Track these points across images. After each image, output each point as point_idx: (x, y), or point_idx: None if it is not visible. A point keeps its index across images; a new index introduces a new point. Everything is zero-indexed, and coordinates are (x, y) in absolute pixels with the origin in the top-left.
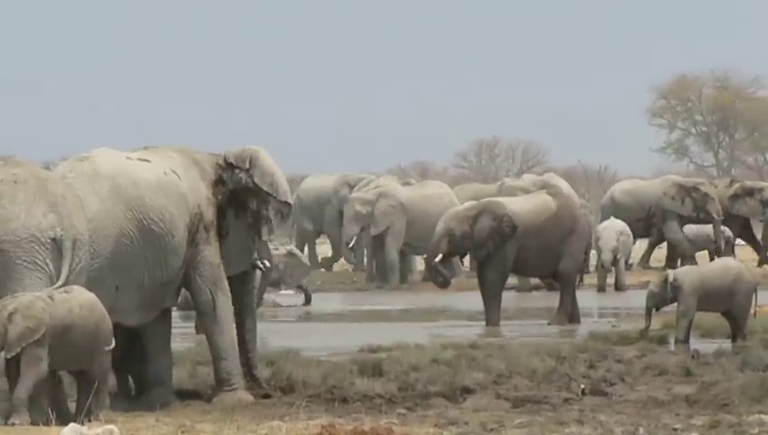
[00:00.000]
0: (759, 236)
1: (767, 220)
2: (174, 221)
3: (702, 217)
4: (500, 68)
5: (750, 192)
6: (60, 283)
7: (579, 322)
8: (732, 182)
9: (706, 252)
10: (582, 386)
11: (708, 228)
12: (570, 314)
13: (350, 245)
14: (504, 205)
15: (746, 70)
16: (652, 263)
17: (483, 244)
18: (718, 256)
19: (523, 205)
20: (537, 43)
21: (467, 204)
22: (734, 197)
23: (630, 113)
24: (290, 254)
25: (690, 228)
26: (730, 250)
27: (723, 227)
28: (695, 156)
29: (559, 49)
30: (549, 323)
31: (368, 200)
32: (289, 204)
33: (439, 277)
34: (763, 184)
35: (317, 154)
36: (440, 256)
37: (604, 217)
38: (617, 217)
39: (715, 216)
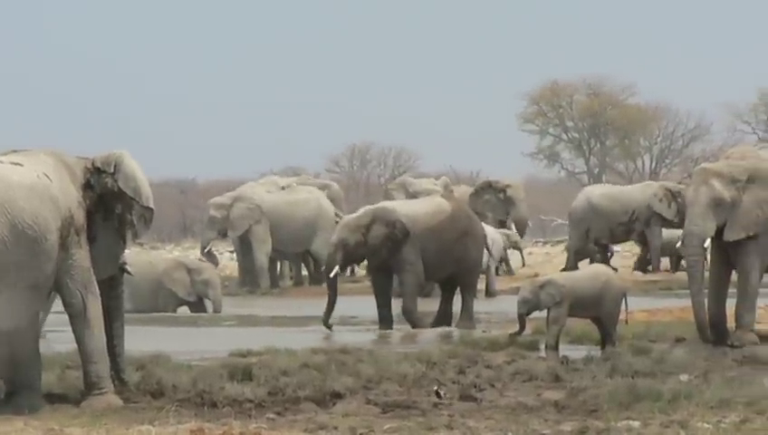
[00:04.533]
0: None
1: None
2: (47, 224)
3: (679, 221)
4: (372, 73)
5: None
6: None
7: (450, 326)
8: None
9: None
10: (436, 387)
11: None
12: (469, 317)
13: (206, 249)
14: (396, 210)
15: (618, 77)
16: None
17: (377, 251)
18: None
19: (416, 208)
20: (410, 49)
21: (358, 212)
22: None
23: (502, 119)
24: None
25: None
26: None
27: None
28: (566, 162)
29: (430, 55)
30: (455, 328)
31: (222, 204)
32: (151, 209)
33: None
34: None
35: (186, 159)
36: (337, 268)
37: (575, 223)
38: (595, 221)
39: None
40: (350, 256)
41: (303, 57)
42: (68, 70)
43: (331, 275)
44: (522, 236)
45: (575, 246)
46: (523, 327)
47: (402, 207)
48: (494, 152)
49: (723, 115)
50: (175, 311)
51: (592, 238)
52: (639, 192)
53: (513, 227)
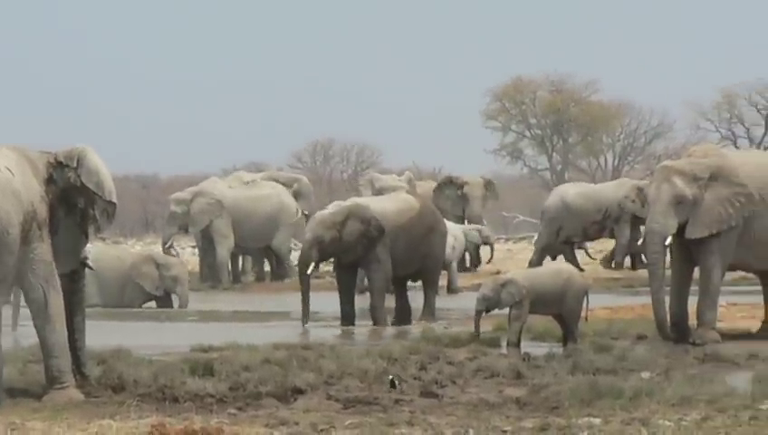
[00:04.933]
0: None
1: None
2: (9, 218)
3: None
4: (335, 69)
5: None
6: None
7: (410, 322)
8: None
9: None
10: (391, 377)
11: None
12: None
13: (168, 245)
14: (370, 207)
15: (581, 74)
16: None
17: (351, 248)
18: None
19: (386, 205)
20: (372, 45)
21: (331, 209)
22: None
23: (465, 116)
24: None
25: None
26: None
27: None
28: (529, 159)
29: (394, 50)
30: (418, 322)
31: (183, 200)
32: (114, 203)
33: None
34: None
35: (149, 154)
36: (312, 264)
37: (548, 221)
38: (568, 220)
39: None
40: (324, 253)
41: (266, 54)
42: (32, 62)
43: (308, 271)
44: None
45: (543, 244)
46: (478, 327)
47: (375, 204)
48: (457, 149)
49: (686, 113)
50: (141, 306)
51: (563, 237)
52: (612, 191)
53: (466, 223)
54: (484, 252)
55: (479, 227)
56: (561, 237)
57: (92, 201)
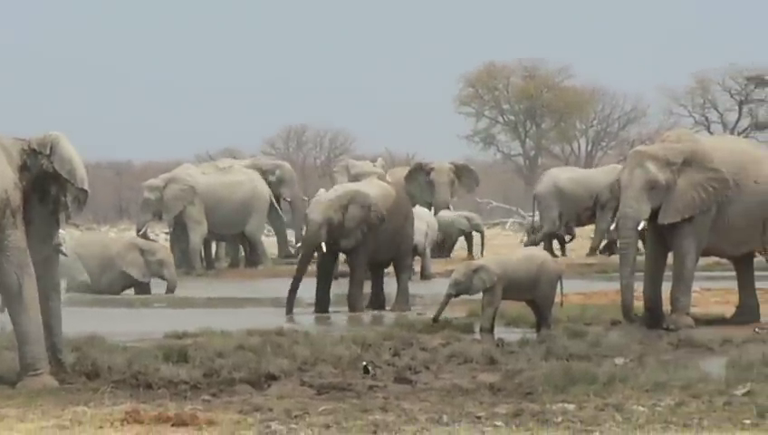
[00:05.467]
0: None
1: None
2: None
3: None
4: (308, 55)
5: None
6: None
7: (384, 308)
8: None
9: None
10: (364, 363)
11: None
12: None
13: (142, 232)
14: (369, 194)
15: (554, 60)
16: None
17: (351, 233)
18: None
19: (375, 192)
20: (345, 30)
21: (333, 192)
22: None
23: (438, 101)
24: None
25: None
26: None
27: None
28: (502, 144)
29: (367, 36)
30: (392, 310)
31: (156, 186)
32: (86, 191)
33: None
34: None
35: (122, 141)
36: (323, 245)
37: (545, 207)
38: (562, 205)
39: None
40: (329, 236)
41: (238, 40)
42: (6, 48)
43: (322, 251)
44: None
45: (549, 230)
46: (442, 309)
47: (371, 192)
48: (430, 135)
49: (659, 98)
50: (120, 292)
51: (564, 222)
52: (603, 176)
53: (433, 211)
54: (476, 239)
55: (469, 214)
56: (563, 222)
57: (64, 188)
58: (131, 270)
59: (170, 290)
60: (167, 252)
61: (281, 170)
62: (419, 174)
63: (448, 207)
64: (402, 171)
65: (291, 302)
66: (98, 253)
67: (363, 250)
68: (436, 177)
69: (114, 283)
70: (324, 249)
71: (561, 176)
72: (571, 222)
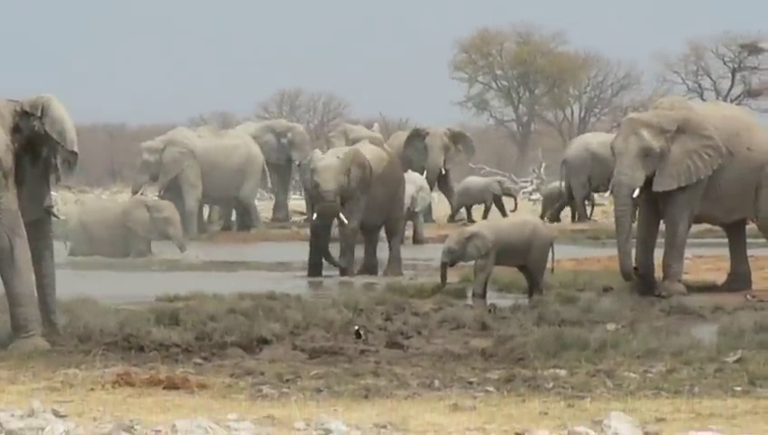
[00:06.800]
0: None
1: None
2: None
3: None
4: (301, 20)
5: None
6: None
7: (376, 273)
8: None
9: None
10: (356, 327)
11: None
12: (374, 264)
13: (139, 193)
14: (365, 154)
15: (548, 25)
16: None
17: (354, 194)
18: None
19: (369, 154)
20: None
21: (334, 155)
22: None
23: (432, 67)
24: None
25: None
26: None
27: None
28: (495, 110)
29: (361, 1)
30: (384, 275)
31: (155, 148)
32: (75, 153)
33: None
34: None
35: (116, 104)
36: (340, 213)
37: (575, 172)
38: (594, 170)
39: None
40: (342, 197)
41: (233, 4)
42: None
43: (344, 222)
44: (432, 185)
45: (581, 195)
46: (444, 278)
47: (366, 153)
48: (423, 100)
49: (653, 65)
50: (128, 253)
51: (594, 186)
52: None
53: (425, 174)
54: (508, 203)
55: (499, 178)
56: (592, 187)
57: (55, 150)
58: (137, 227)
59: (180, 248)
60: (173, 210)
61: (293, 133)
62: (416, 139)
63: (441, 172)
64: (403, 136)
65: (321, 261)
66: (104, 217)
67: (356, 213)
68: (429, 141)
69: (120, 242)
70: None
71: (593, 141)
72: (601, 187)
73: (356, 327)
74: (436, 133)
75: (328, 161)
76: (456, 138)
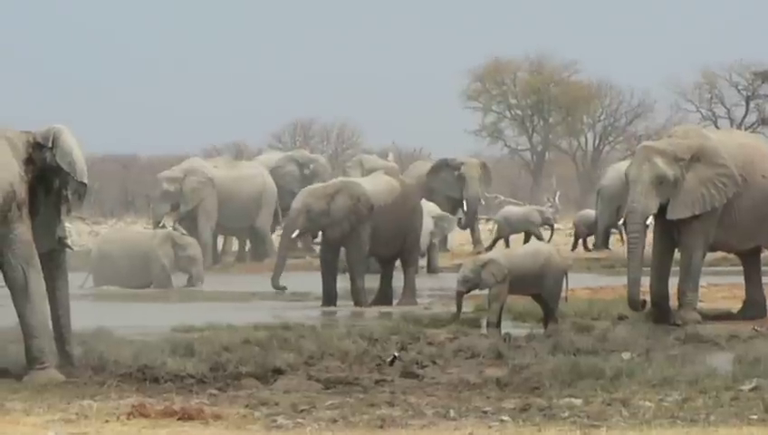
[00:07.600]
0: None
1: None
2: None
3: None
4: (315, 48)
5: None
6: None
7: (391, 303)
8: None
9: None
10: (396, 354)
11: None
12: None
13: (160, 224)
14: (361, 185)
15: (561, 54)
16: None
17: (339, 223)
18: None
19: (374, 185)
20: (353, 23)
21: (324, 183)
22: None
23: (446, 96)
24: None
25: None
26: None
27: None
28: (509, 139)
29: (375, 30)
30: (399, 304)
31: (175, 178)
32: (85, 184)
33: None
34: None
35: (128, 134)
36: (297, 231)
37: (607, 200)
38: (626, 199)
39: None
40: (311, 223)
41: (245, 34)
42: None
43: (293, 235)
44: (472, 216)
45: (606, 223)
46: (459, 307)
47: (365, 184)
48: (437, 129)
49: (666, 93)
50: (149, 285)
51: (622, 215)
52: None
53: (464, 205)
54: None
55: (540, 208)
56: (620, 216)
57: (66, 181)
58: (164, 260)
59: (195, 285)
60: (197, 249)
61: (315, 164)
62: (444, 170)
63: (480, 202)
64: (422, 165)
65: (278, 273)
66: (126, 248)
67: (357, 244)
68: (467, 171)
69: (141, 272)
70: (320, 238)
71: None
72: None
73: (395, 354)
74: (473, 164)
75: (312, 185)
76: (483, 168)
